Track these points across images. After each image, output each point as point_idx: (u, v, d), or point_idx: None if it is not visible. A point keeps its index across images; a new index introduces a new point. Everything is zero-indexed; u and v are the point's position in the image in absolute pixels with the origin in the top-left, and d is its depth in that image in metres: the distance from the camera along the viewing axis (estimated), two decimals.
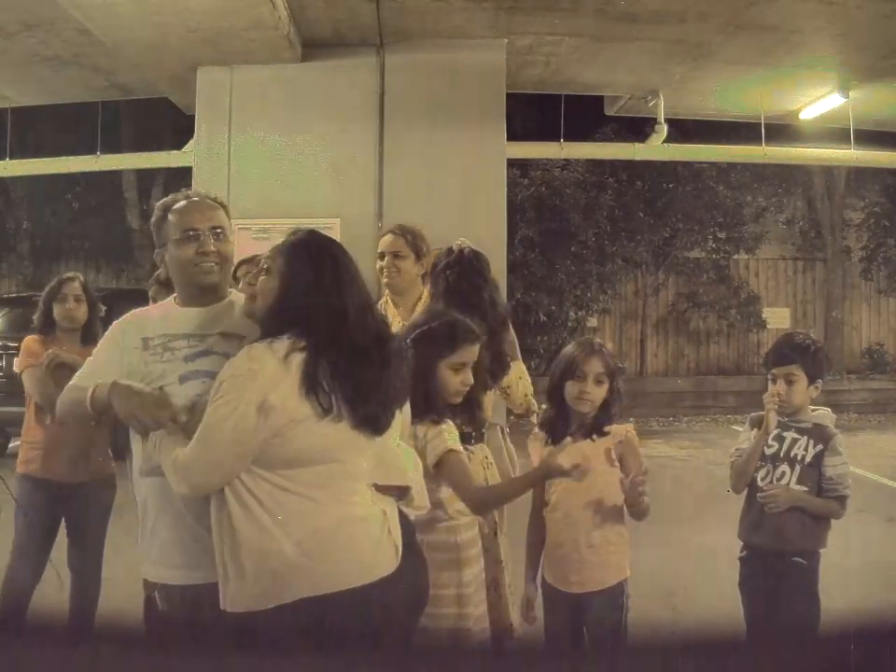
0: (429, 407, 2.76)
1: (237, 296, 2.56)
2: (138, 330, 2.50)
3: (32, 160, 10.58)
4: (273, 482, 2.12)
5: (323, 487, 2.15)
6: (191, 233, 2.45)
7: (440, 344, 2.81)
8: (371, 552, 2.19)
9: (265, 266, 2.29)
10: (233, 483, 2.14)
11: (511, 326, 3.65)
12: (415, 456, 2.48)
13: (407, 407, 2.49)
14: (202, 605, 2.26)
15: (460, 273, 3.43)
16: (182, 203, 2.54)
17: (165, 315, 2.52)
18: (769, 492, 3.19)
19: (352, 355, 2.18)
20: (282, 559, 2.10)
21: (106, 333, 2.60)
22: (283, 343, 2.15)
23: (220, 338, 2.43)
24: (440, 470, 2.73)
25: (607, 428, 3.05)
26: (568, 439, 2.79)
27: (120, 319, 2.59)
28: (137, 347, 2.47)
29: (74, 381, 2.51)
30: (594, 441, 3.04)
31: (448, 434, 2.76)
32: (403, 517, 2.40)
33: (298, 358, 2.14)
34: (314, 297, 2.20)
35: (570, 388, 3.07)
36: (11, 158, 10.36)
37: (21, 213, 14.71)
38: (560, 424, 3.11)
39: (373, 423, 2.21)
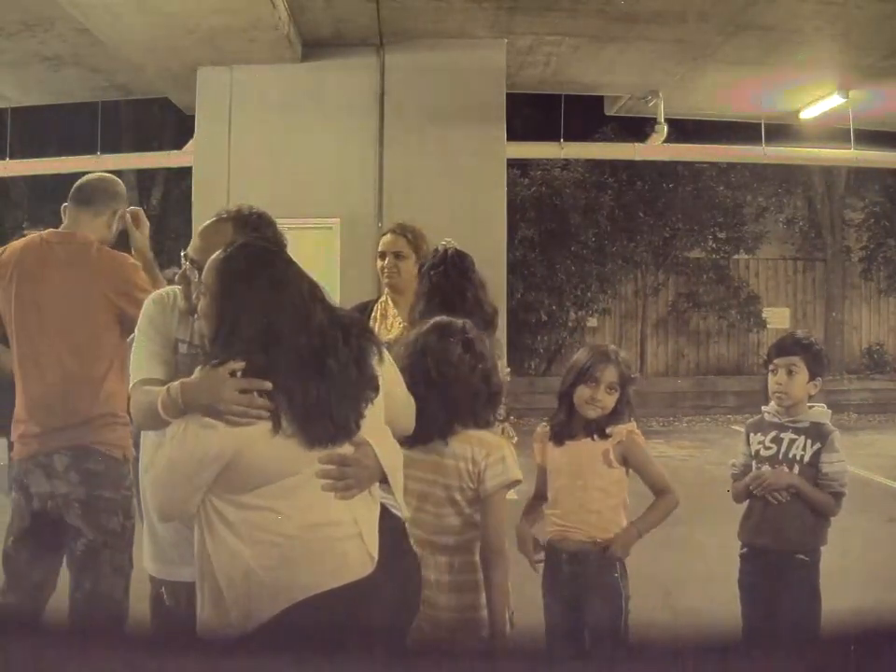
0: (488, 415, 2.71)
1: None
2: (172, 325, 2.44)
3: (32, 160, 10.58)
4: (238, 502, 2.10)
5: (286, 498, 2.11)
6: None
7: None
8: (335, 556, 2.14)
9: (202, 287, 2.21)
10: (205, 509, 2.11)
11: (497, 326, 3.63)
12: (398, 450, 2.38)
13: (399, 399, 2.44)
14: None
15: (444, 273, 3.42)
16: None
17: (195, 323, 2.42)
18: (762, 479, 3.21)
19: (288, 374, 2.09)
20: (254, 578, 2.07)
21: (146, 315, 2.48)
22: (223, 369, 2.10)
23: None
24: (490, 500, 2.62)
25: (609, 430, 3.06)
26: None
27: (156, 300, 2.50)
28: (171, 342, 2.42)
29: (134, 377, 2.38)
30: (594, 440, 3.06)
31: (513, 460, 2.67)
32: (395, 519, 2.38)
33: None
34: (241, 318, 2.11)
35: (581, 393, 3.09)
36: (11, 158, 10.37)
37: (21, 213, 14.72)
38: (566, 425, 3.14)
39: (330, 438, 2.14)
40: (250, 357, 2.09)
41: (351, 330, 2.24)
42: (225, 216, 2.47)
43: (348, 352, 2.19)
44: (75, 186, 3.46)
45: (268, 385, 2.06)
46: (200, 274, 2.33)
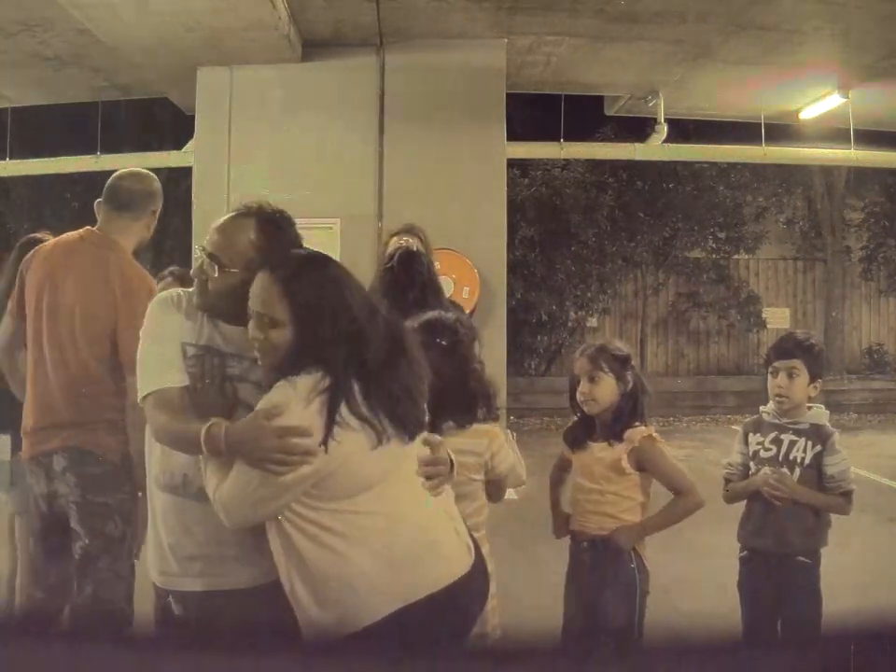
0: (477, 409, 2.73)
1: None
2: (179, 328, 2.34)
3: (32, 160, 10.56)
4: (340, 509, 2.10)
5: (388, 501, 2.13)
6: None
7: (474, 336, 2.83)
8: (446, 552, 2.19)
9: (266, 319, 2.12)
10: (291, 517, 2.09)
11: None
12: None
13: None
14: (220, 608, 2.25)
15: (390, 271, 3.45)
16: None
17: (203, 322, 2.36)
18: (773, 481, 3.20)
19: (378, 373, 2.11)
20: (365, 580, 2.07)
21: (153, 318, 2.38)
22: (305, 382, 2.06)
23: (253, 364, 2.27)
24: (500, 482, 2.77)
25: (627, 433, 3.07)
26: None
27: (161, 303, 2.39)
28: (181, 346, 2.34)
29: (146, 387, 2.27)
30: (610, 445, 3.07)
31: (508, 445, 2.78)
32: None
33: (322, 397, 2.05)
34: (330, 333, 2.08)
35: (577, 394, 3.14)
36: (11, 158, 10.36)
37: (22, 213, 14.71)
38: (580, 430, 3.19)
39: (414, 426, 2.18)
40: (339, 365, 2.07)
41: (402, 330, 2.27)
42: (246, 211, 2.36)
43: (408, 349, 2.22)
44: (108, 185, 3.36)
45: (310, 433, 2.03)
46: (217, 270, 2.27)
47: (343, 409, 2.06)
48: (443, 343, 2.71)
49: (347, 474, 2.08)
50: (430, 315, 2.83)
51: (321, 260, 2.21)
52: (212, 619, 2.19)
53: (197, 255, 2.37)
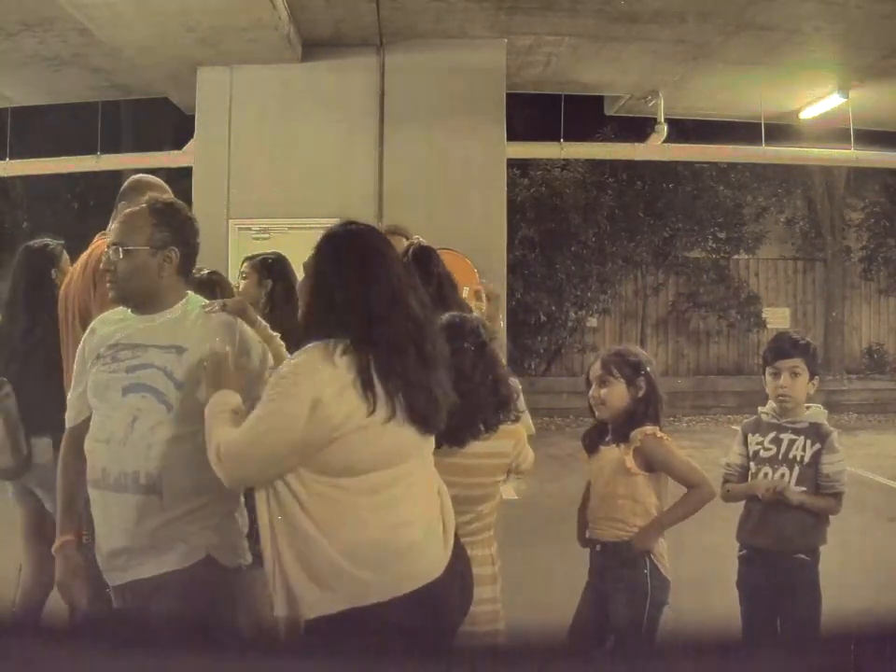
0: (500, 419, 2.75)
1: (194, 303, 2.58)
2: (98, 344, 2.55)
3: (32, 160, 10.57)
4: (324, 487, 2.10)
5: (373, 494, 2.13)
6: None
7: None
8: (415, 557, 2.18)
9: (306, 268, 2.31)
10: (279, 488, 2.11)
11: None
12: None
13: None
14: (151, 596, 2.35)
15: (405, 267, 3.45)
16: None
17: (118, 321, 2.57)
18: (768, 495, 3.21)
19: (390, 353, 2.14)
20: (331, 569, 2.08)
21: (79, 349, 2.63)
22: (337, 345, 2.12)
23: (158, 350, 2.46)
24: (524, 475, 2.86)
25: (633, 434, 3.07)
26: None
27: (86, 334, 2.63)
28: (92, 359, 2.53)
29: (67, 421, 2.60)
30: (618, 447, 3.08)
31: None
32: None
33: (351, 359, 2.11)
34: (341, 296, 2.17)
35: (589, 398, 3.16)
36: (11, 158, 10.36)
37: (21, 213, 14.71)
38: (595, 434, 3.20)
39: (425, 421, 2.20)
40: (351, 336, 2.12)
41: (431, 329, 2.30)
42: (139, 204, 2.62)
43: (437, 338, 2.27)
44: None
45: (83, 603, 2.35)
46: (122, 252, 2.47)
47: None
48: (472, 347, 2.69)
49: (349, 446, 2.09)
50: (451, 316, 2.80)
51: (361, 238, 2.29)
52: (143, 608, 2.28)
53: (104, 256, 2.56)
